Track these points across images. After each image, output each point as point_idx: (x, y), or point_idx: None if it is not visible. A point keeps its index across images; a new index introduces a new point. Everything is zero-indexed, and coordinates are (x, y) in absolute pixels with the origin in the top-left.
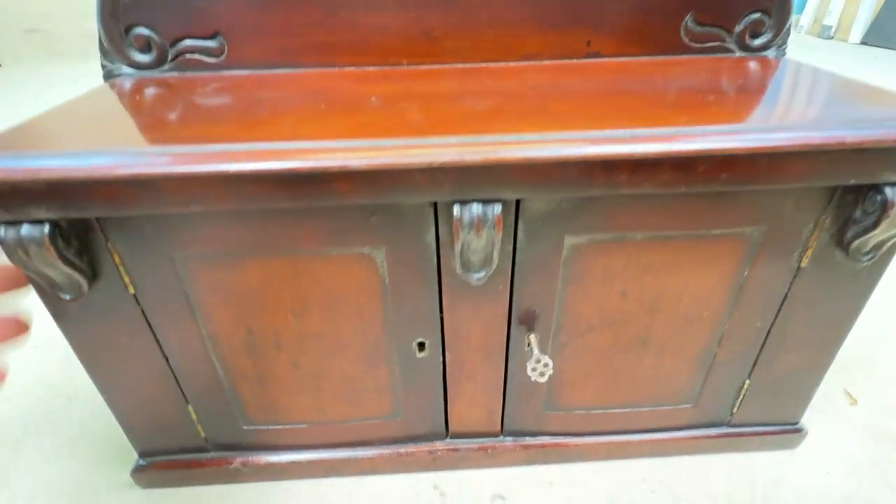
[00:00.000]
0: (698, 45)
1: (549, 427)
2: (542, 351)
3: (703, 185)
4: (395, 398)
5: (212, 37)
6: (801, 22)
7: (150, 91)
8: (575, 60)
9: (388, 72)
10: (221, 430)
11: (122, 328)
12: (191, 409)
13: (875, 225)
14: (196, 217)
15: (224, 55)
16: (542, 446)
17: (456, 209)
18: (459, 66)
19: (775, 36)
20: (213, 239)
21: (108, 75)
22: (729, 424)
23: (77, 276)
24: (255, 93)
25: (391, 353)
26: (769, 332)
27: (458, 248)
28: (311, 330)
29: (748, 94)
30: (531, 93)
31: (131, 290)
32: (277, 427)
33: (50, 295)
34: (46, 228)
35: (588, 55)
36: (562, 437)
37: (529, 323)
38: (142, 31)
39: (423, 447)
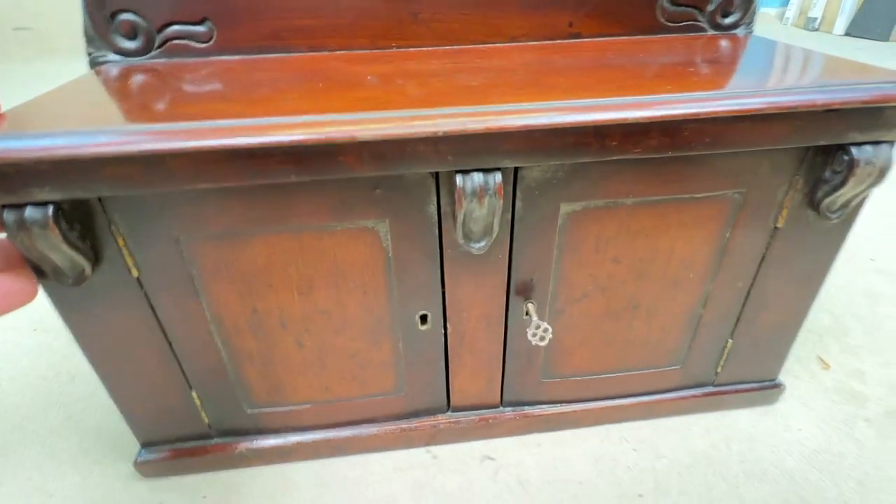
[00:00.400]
0: (674, 25)
1: (547, 395)
2: (541, 318)
3: (689, 149)
4: (398, 373)
5: (200, 22)
6: (786, 14)
7: (139, 77)
8: (559, 41)
9: (379, 54)
10: (225, 415)
11: (124, 313)
12: (194, 394)
13: (843, 183)
14: (201, 195)
15: (213, 40)
16: (540, 415)
17: (458, 179)
18: (448, 47)
19: (743, 15)
20: (219, 217)
21: (94, 63)
22: (713, 384)
23: (80, 259)
24: (250, 75)
25: (394, 327)
26: (749, 291)
27: (460, 217)
28: (317, 307)
29: (724, 67)
30: (522, 69)
31: (134, 273)
32: (282, 409)
33: (51, 280)
34: (50, 210)
35: (570, 35)
36: (559, 405)
37: (527, 292)
38: (128, 16)
39: (426, 421)
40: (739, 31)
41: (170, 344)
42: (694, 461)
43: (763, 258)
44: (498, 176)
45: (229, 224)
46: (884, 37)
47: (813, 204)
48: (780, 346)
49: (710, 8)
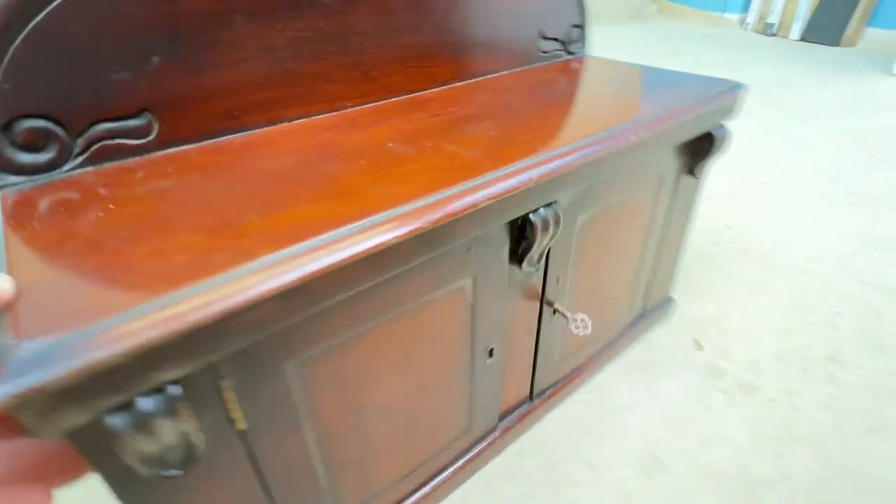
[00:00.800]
0: (546, 54)
1: (562, 373)
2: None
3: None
4: (468, 413)
5: (136, 115)
6: (747, 20)
7: (64, 197)
8: (480, 78)
9: (345, 115)
10: None
11: (224, 479)
12: None
13: (711, 152)
14: (303, 319)
15: (154, 134)
16: (558, 391)
17: (533, 217)
18: (396, 98)
19: (582, 40)
20: (323, 333)
21: None
22: (643, 314)
23: (198, 435)
24: (245, 166)
25: (469, 370)
26: (663, 239)
27: (535, 251)
28: (412, 380)
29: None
30: (503, 106)
31: (241, 426)
32: (370, 499)
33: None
34: (178, 391)
35: (486, 73)
36: (570, 376)
37: (551, 297)
38: (32, 123)
39: (485, 444)
40: (580, 53)
41: (268, 490)
42: (569, 424)
43: (669, 209)
44: (557, 206)
45: (337, 332)
46: (834, 41)
47: (692, 172)
48: (673, 272)
49: (563, 38)
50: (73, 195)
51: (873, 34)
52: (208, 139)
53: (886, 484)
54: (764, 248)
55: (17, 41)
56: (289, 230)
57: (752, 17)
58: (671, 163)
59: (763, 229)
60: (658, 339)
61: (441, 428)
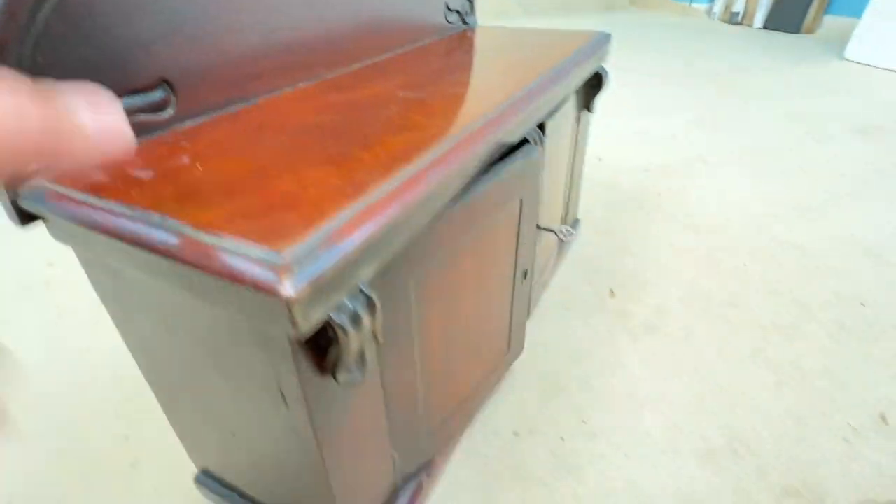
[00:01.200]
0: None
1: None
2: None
3: None
4: (507, 334)
5: (155, 87)
6: (714, 9)
7: (138, 166)
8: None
9: (334, 80)
10: (409, 457)
11: (362, 390)
12: (394, 453)
13: (600, 88)
14: (431, 225)
15: (172, 107)
16: None
17: None
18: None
19: (474, 12)
20: (434, 251)
21: None
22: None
23: (373, 341)
24: (278, 125)
25: (511, 289)
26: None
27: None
28: (482, 296)
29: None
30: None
31: (380, 340)
32: (451, 416)
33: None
34: (369, 291)
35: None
36: None
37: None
38: None
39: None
40: (474, 24)
41: (387, 403)
42: None
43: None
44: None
45: (443, 249)
46: (795, 29)
47: (588, 107)
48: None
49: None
50: (142, 162)
51: (831, 21)
52: (219, 111)
53: (754, 400)
54: (689, 212)
55: (49, 12)
56: (398, 154)
57: (718, 7)
58: (575, 102)
59: (692, 197)
60: (577, 288)
61: (492, 349)
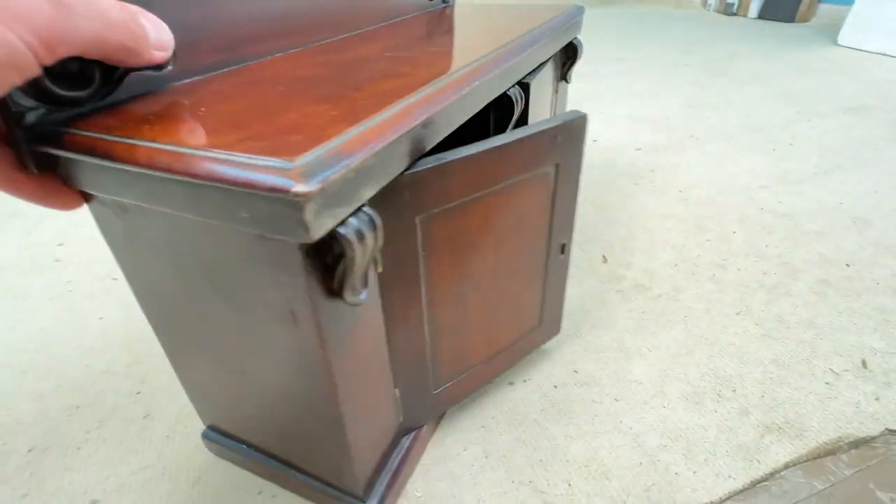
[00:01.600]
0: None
1: None
2: None
3: None
4: (539, 307)
5: None
6: (709, 1)
7: (147, 111)
8: (398, 19)
9: (322, 46)
10: (415, 406)
11: (365, 320)
12: (397, 391)
13: (575, 58)
14: (445, 166)
15: (172, 64)
16: None
17: None
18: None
19: None
20: (446, 192)
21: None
22: None
23: (374, 262)
24: (272, 79)
25: (545, 261)
26: None
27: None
28: (502, 259)
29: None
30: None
31: (378, 269)
32: (461, 377)
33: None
34: (371, 210)
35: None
36: None
37: None
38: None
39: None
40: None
41: (390, 339)
42: None
43: None
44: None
45: (456, 194)
46: (790, 18)
47: (565, 77)
48: None
49: None
50: (151, 108)
51: (825, 10)
52: (213, 72)
53: (740, 350)
54: (680, 186)
55: None
56: (388, 94)
57: None
58: (553, 72)
59: (684, 172)
60: (571, 255)
61: (519, 317)
